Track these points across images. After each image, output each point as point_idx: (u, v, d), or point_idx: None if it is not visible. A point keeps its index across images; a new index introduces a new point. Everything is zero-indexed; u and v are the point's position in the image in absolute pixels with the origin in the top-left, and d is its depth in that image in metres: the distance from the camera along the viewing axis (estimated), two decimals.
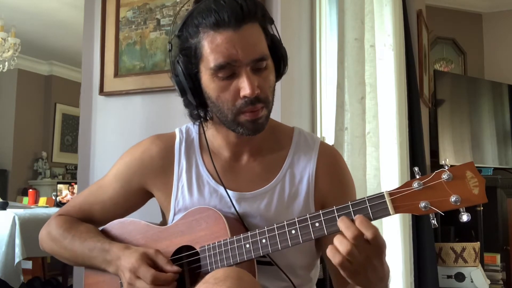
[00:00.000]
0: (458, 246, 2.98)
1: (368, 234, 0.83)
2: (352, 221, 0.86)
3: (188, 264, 1.05)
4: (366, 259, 0.84)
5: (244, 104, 0.98)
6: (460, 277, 2.93)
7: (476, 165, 0.85)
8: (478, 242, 3.04)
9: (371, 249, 0.84)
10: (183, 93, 1.05)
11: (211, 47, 0.97)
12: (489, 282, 3.02)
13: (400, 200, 0.86)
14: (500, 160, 4.18)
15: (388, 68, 2.22)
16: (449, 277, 2.95)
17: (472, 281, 2.90)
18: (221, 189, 1.09)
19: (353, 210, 0.88)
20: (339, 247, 0.84)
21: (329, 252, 0.85)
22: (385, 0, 2.23)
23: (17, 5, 5.05)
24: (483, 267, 3.18)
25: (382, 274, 0.88)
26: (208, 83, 1.01)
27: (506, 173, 4.07)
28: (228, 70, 0.97)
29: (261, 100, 1.00)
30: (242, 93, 0.97)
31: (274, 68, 1.05)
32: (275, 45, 1.05)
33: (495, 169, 3.96)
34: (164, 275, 0.99)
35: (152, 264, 1.01)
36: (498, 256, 3.42)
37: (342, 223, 0.86)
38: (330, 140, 2.10)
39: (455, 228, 3.40)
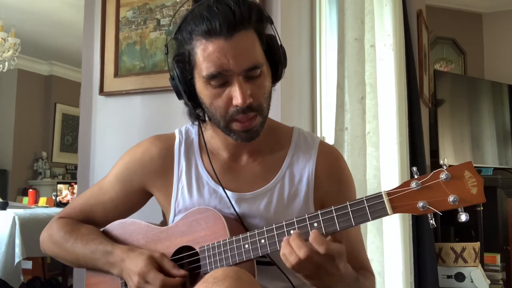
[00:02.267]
0: (458, 246, 2.98)
1: (320, 250, 0.85)
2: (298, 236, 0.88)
3: (188, 264, 1.06)
4: (317, 268, 0.87)
5: (236, 112, 0.98)
6: (460, 277, 2.93)
7: (476, 165, 0.84)
8: (478, 242, 3.03)
9: (322, 258, 0.87)
10: (179, 96, 1.06)
11: (203, 56, 0.97)
12: (489, 282, 3.02)
13: (398, 200, 0.86)
14: (500, 160, 4.18)
15: (388, 68, 2.22)
16: (449, 277, 2.95)
17: (472, 281, 2.90)
18: (220, 190, 1.09)
19: (351, 210, 0.88)
20: (288, 257, 0.87)
21: (282, 256, 0.89)
22: (385, 0, 2.23)
23: (17, 5, 5.05)
24: (483, 267, 3.18)
25: (339, 276, 0.90)
26: (202, 89, 1.01)
27: (506, 173, 4.07)
28: (220, 79, 0.97)
29: (254, 109, 0.99)
30: (234, 102, 0.97)
31: (272, 71, 1.04)
32: (272, 49, 1.04)
33: (495, 169, 3.95)
34: (173, 280, 1.00)
35: (159, 267, 1.02)
36: (498, 256, 3.42)
37: (293, 243, 0.87)
38: (330, 140, 2.10)
39: (455, 228, 3.40)
